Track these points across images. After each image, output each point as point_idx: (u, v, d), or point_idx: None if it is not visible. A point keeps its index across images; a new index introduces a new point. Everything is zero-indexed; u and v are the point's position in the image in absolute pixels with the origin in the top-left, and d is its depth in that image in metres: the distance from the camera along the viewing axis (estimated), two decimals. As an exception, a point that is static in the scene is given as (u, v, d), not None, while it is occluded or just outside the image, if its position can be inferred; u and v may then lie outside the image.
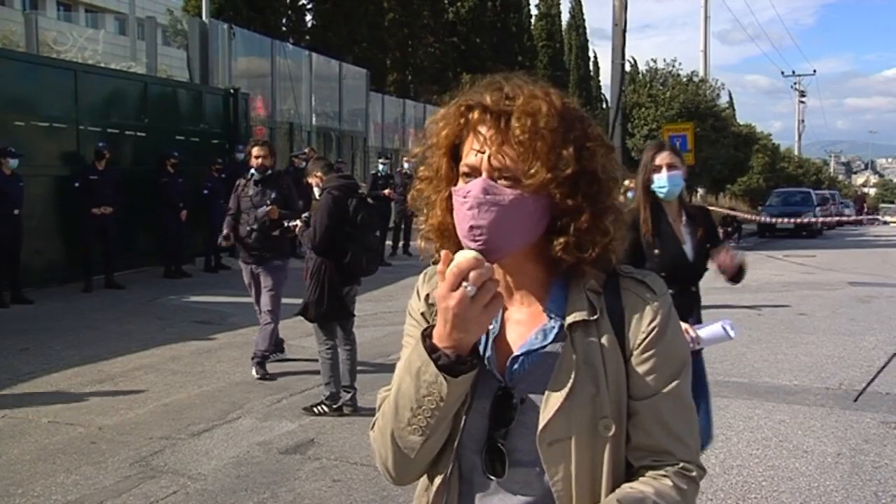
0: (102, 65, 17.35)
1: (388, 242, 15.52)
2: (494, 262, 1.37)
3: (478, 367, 1.38)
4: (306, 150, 17.84)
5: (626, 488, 1.40)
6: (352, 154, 23.45)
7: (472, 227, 1.36)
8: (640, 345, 1.43)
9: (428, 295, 1.55)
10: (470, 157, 1.41)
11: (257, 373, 7.28)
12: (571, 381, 1.39)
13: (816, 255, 21.00)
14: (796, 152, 64.07)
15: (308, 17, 25.25)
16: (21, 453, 5.41)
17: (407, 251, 17.01)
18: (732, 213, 26.66)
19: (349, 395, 6.34)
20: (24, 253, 10.98)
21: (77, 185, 11.79)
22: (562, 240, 1.41)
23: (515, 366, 1.44)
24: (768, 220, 28.65)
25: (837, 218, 36.00)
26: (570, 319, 1.42)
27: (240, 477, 5.04)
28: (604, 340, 1.42)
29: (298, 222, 6.51)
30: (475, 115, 1.41)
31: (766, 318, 10.99)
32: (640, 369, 1.43)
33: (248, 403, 6.61)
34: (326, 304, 6.19)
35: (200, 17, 17.95)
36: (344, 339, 6.39)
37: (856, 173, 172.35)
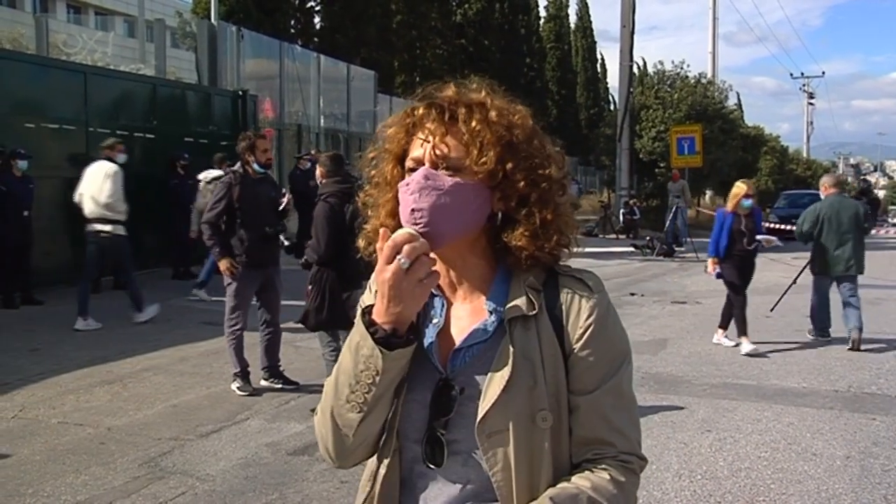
0: (112, 67, 17.41)
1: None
2: (436, 248, 1.43)
3: (414, 342, 1.44)
4: (312, 152, 17.89)
5: (563, 483, 1.44)
6: (360, 156, 23.44)
7: (413, 210, 1.43)
8: (578, 340, 1.49)
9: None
10: (416, 151, 1.49)
11: (275, 383, 7.10)
12: (509, 374, 1.44)
13: (825, 258, 20.90)
14: (805, 154, 63.87)
15: (316, 20, 25.29)
16: (31, 453, 5.44)
17: None
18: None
19: None
20: (34, 254, 11.02)
21: (85, 185, 11.82)
22: (520, 229, 1.49)
23: (457, 359, 1.50)
24: (777, 225, 28.43)
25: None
26: (509, 314, 1.48)
27: (248, 478, 5.06)
28: (542, 335, 1.48)
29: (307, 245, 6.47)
30: (420, 111, 1.50)
31: (774, 321, 10.96)
32: (579, 365, 1.48)
33: (257, 405, 6.63)
34: (327, 311, 6.16)
35: (209, 20, 17.99)
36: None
37: (865, 175, 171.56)
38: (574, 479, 1.44)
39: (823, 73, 72.92)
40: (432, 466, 1.48)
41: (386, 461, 1.53)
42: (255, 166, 6.97)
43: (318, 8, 24.92)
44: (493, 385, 1.44)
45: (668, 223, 22.36)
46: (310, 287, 6.25)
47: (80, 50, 19.81)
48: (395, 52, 27.83)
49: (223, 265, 6.85)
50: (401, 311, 1.39)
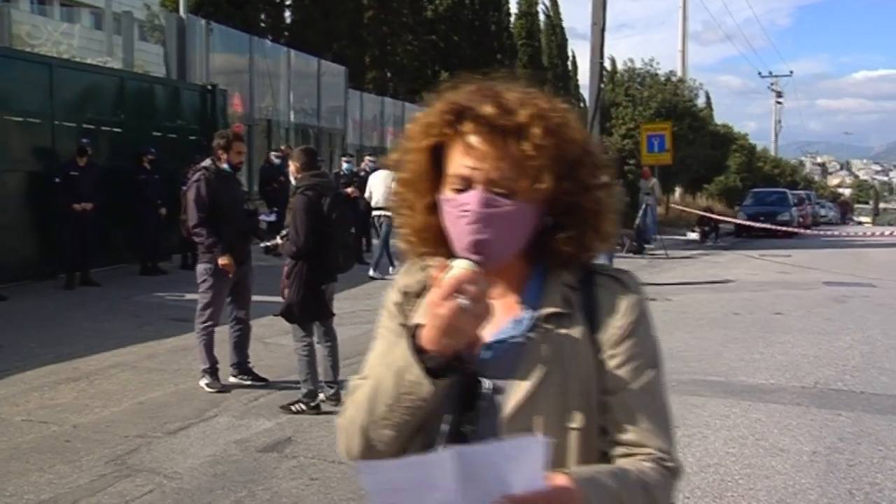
0: (78, 59, 17.18)
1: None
2: (491, 270, 1.40)
3: (462, 369, 1.39)
4: (282, 148, 17.79)
5: (609, 465, 1.40)
6: (330, 151, 23.39)
7: (475, 243, 1.39)
8: (611, 340, 1.45)
9: (406, 290, 1.57)
10: (462, 169, 1.41)
11: (244, 379, 7.04)
12: (540, 371, 1.41)
13: (792, 255, 21.17)
14: (772, 152, 64.51)
15: (287, 14, 25.15)
16: (-6, 452, 5.35)
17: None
18: (708, 214, 27.02)
19: (332, 391, 6.35)
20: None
21: (58, 180, 11.65)
22: (567, 235, 1.46)
23: (486, 354, 1.45)
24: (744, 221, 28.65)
25: None
26: (543, 311, 1.45)
27: (216, 475, 5.01)
28: (576, 334, 1.44)
29: (279, 240, 6.43)
30: (468, 125, 1.41)
31: (742, 318, 11.06)
32: (612, 364, 1.44)
33: (225, 402, 6.57)
34: (308, 304, 6.18)
35: (178, 13, 17.82)
36: (324, 335, 6.39)
37: (831, 174, 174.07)
38: (619, 462, 1.41)
39: (792, 72, 73.37)
40: None
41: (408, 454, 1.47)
42: (225, 166, 6.94)
43: (288, 2, 24.79)
44: (521, 382, 1.41)
45: (638, 220, 22.50)
46: (287, 280, 6.23)
47: (45, 42, 19.54)
48: (366, 48, 27.73)
49: (224, 261, 6.69)
50: (452, 344, 1.34)
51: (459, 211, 1.40)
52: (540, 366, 1.41)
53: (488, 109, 1.40)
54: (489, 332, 1.46)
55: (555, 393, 1.41)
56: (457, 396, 1.43)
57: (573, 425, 1.41)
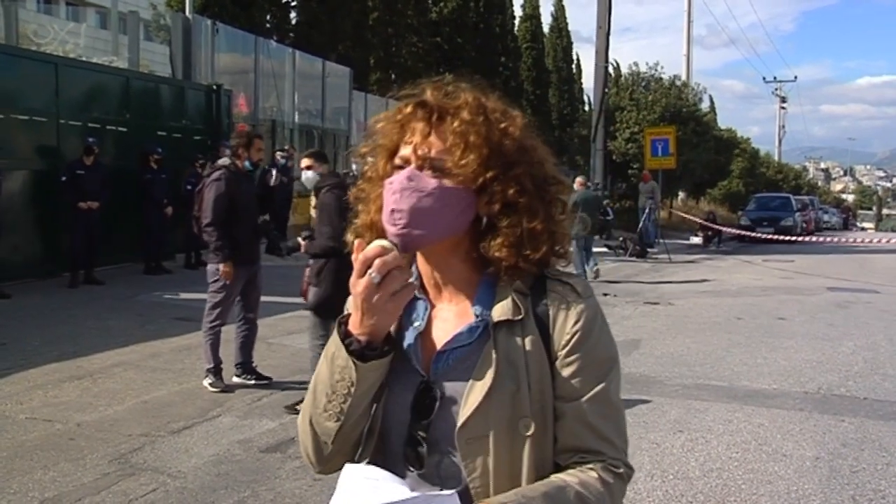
0: (84, 59, 17.19)
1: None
2: (413, 250, 1.45)
3: (389, 354, 1.43)
4: (286, 147, 17.81)
5: (551, 478, 1.42)
6: (334, 153, 23.40)
7: (393, 211, 1.43)
8: (564, 347, 1.46)
9: None
10: (403, 149, 1.47)
11: (248, 379, 7.06)
12: (492, 378, 1.42)
13: (795, 260, 21.15)
14: (776, 157, 64.44)
15: (292, 15, 25.17)
16: (-2, 449, 5.36)
17: None
18: (708, 224, 27.06)
19: None
20: (2, 247, 10.86)
21: (64, 178, 11.67)
22: (499, 239, 1.46)
23: (440, 361, 1.48)
24: (746, 228, 28.53)
25: None
26: (495, 318, 1.46)
27: (220, 475, 5.02)
28: (528, 340, 1.45)
29: (300, 240, 6.42)
30: (409, 109, 1.48)
31: (745, 323, 11.06)
32: (565, 372, 1.46)
33: (229, 401, 6.58)
34: (340, 300, 6.17)
35: (183, 13, 17.84)
36: None
37: (834, 179, 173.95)
38: (561, 475, 1.42)
39: (796, 77, 73.28)
40: (412, 469, 1.46)
41: (366, 462, 1.51)
42: (247, 163, 6.95)
43: (294, 3, 24.80)
44: (474, 390, 1.42)
45: (640, 224, 22.50)
46: (315, 279, 6.15)
47: (51, 41, 19.57)
48: (371, 49, 27.76)
49: (226, 268, 6.71)
50: (374, 324, 1.38)
51: (388, 185, 1.45)
52: (491, 373, 1.42)
53: (428, 94, 1.48)
54: (443, 340, 1.49)
55: (507, 399, 1.42)
56: (412, 404, 1.46)
57: (526, 433, 1.43)
